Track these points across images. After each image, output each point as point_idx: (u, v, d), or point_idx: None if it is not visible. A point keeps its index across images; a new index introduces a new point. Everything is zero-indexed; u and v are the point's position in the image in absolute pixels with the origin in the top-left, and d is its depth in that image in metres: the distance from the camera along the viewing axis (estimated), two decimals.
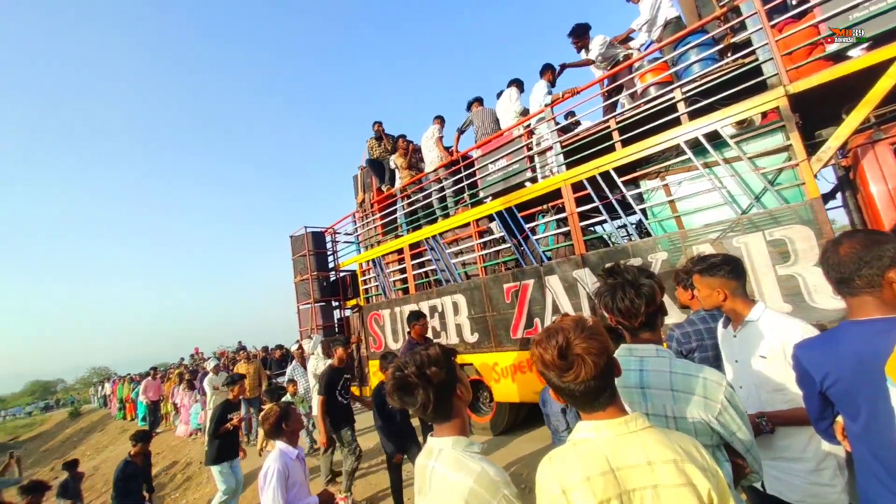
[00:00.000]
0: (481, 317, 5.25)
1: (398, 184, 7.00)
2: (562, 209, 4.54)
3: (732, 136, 3.31)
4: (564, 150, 4.51)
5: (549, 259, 4.65)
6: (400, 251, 6.67)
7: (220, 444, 4.37)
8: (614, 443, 0.95)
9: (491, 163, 5.29)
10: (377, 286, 7.13)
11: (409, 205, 6.67)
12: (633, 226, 4.21)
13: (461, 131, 5.78)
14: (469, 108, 5.79)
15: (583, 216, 4.38)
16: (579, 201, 4.37)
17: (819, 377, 1.25)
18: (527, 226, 4.79)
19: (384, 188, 7.26)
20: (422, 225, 6.43)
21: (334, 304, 8.13)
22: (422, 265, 6.43)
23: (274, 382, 8.35)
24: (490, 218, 5.36)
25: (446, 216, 6.09)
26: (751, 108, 3.14)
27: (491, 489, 1.05)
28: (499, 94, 5.80)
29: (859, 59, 2.78)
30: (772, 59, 3.07)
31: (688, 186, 3.74)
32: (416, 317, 4.53)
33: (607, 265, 1.41)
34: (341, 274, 8.33)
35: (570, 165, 4.47)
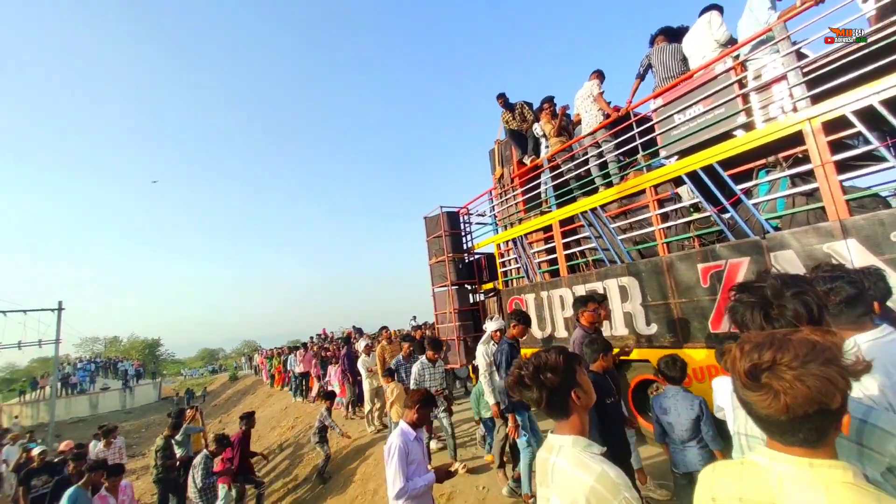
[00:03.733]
0: (662, 304, 4.39)
1: (543, 153, 6.41)
2: (802, 159, 3.45)
3: None
4: (808, 77, 3.39)
5: (777, 229, 3.60)
6: (547, 229, 6.08)
7: None
8: (790, 477, 0.83)
9: (678, 112, 4.35)
10: (518, 268, 6.69)
11: (558, 176, 6.03)
12: None
13: (640, 77, 4.86)
14: (652, 43, 4.81)
15: (841, 167, 3.25)
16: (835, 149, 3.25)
17: None
18: (738, 187, 3.79)
19: (527, 160, 6.74)
20: (576, 198, 5.76)
21: (468, 287, 7.96)
22: (576, 244, 5.77)
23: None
24: (676, 182, 4.45)
25: (609, 186, 5.32)
26: None
27: (613, 490, 1.09)
28: (674, 33, 4.74)
29: None
30: None
31: None
32: (583, 302, 3.83)
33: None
34: (475, 256, 8.11)
35: (817, 99, 3.35)
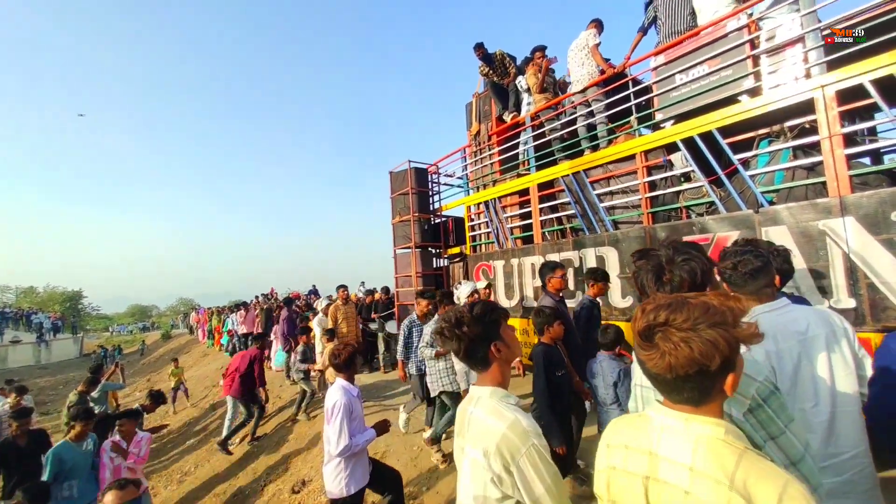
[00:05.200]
0: None
1: (526, 110, 5.99)
2: (809, 130, 3.29)
3: None
4: (828, 43, 3.18)
5: (772, 203, 3.47)
6: (524, 192, 5.76)
7: None
8: (669, 430, 0.91)
9: (680, 72, 4.07)
10: (489, 233, 6.37)
11: (541, 136, 5.67)
12: None
13: (643, 31, 4.50)
14: (650, 3, 4.46)
15: (847, 141, 3.12)
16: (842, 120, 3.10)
17: None
18: (736, 157, 3.61)
19: (507, 117, 6.30)
20: (557, 161, 5.44)
21: (432, 251, 7.57)
22: (553, 210, 5.50)
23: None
24: (669, 149, 4.23)
25: (595, 149, 5.03)
26: None
27: (522, 436, 1.16)
28: None
29: None
30: None
31: None
32: (551, 268, 3.67)
33: None
34: (442, 218, 7.68)
35: (833, 66, 3.16)
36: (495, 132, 6.37)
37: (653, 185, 4.31)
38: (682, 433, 0.88)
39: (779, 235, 3.29)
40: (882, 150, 3.48)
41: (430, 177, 7.66)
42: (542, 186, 5.47)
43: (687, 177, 4.08)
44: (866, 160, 3.40)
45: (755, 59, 3.58)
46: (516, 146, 6.08)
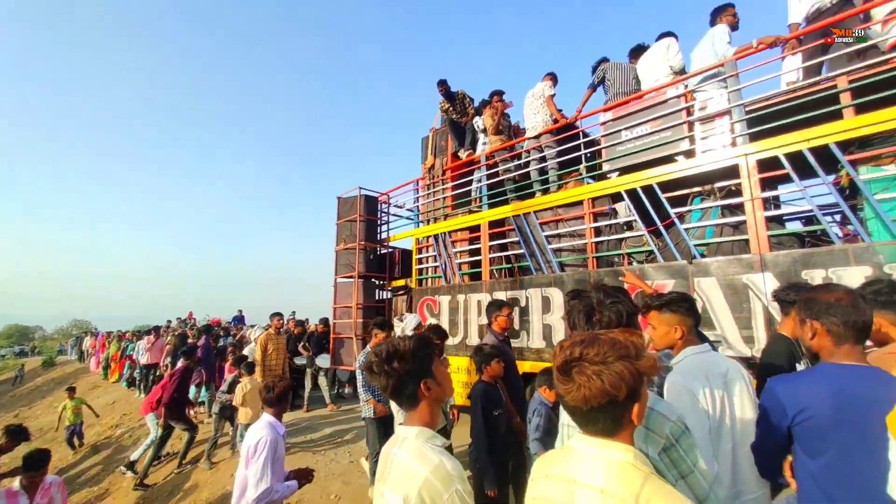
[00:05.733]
0: None
1: (481, 149, 6.19)
2: (734, 192, 3.66)
3: None
4: (750, 116, 3.64)
5: (703, 256, 3.76)
6: (474, 228, 5.81)
7: None
8: (587, 457, 0.98)
9: (626, 128, 4.43)
10: (436, 267, 6.30)
11: (494, 175, 5.83)
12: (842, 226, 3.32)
13: (593, 88, 4.92)
14: (598, 65, 4.92)
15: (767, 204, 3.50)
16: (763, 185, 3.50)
17: (793, 411, 1.40)
18: (673, 210, 3.91)
19: (462, 154, 6.45)
20: (508, 200, 5.60)
21: (376, 281, 7.32)
22: (503, 248, 5.58)
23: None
24: (614, 198, 4.51)
25: (545, 192, 5.25)
26: None
27: (445, 482, 1.12)
28: (634, 51, 4.94)
29: None
30: None
31: None
32: (498, 306, 3.73)
33: None
34: (389, 249, 7.50)
35: (754, 138, 3.60)
36: (450, 167, 6.48)
37: (598, 231, 4.53)
38: (598, 458, 0.96)
39: (709, 286, 3.54)
40: (794, 216, 3.96)
41: (380, 206, 7.54)
42: (493, 224, 5.56)
43: (629, 225, 4.34)
44: (797, 224, 3.84)
45: (690, 125, 3.98)
46: (470, 183, 6.20)
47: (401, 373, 1.24)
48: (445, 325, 5.67)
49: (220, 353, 8.23)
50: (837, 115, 3.19)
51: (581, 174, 4.80)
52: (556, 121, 5.15)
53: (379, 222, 7.48)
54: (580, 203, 4.65)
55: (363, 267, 6.88)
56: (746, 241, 3.49)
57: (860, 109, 3.11)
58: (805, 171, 3.28)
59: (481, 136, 6.23)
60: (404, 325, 3.95)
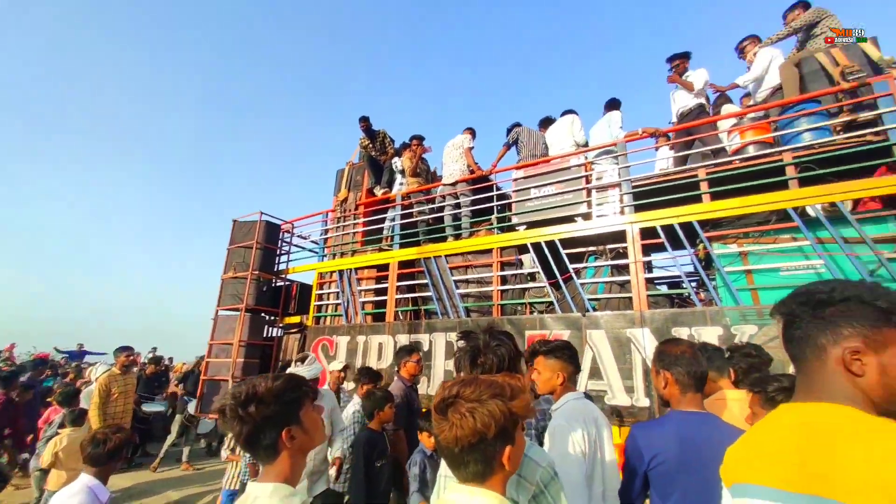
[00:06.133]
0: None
1: (398, 189, 6.22)
2: (622, 254, 4.12)
3: (824, 217, 3.25)
4: (635, 190, 4.22)
5: (594, 310, 4.10)
6: (383, 267, 5.69)
7: None
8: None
9: (535, 187, 4.83)
10: (338, 305, 5.94)
11: (409, 216, 5.87)
12: (703, 290, 3.91)
13: (508, 146, 5.37)
14: (512, 128, 5.44)
15: (646, 268, 4.00)
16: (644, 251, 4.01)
17: (649, 456, 1.47)
18: (571, 266, 4.27)
19: (378, 191, 6.41)
20: (420, 242, 5.62)
21: (265, 317, 6.61)
22: (410, 290, 5.50)
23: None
24: (521, 249, 4.78)
25: (457, 237, 5.39)
26: (881, 186, 3.12)
27: None
28: (543, 122, 5.56)
29: None
30: None
31: (771, 259, 3.57)
32: (408, 351, 3.64)
33: None
34: (286, 282, 6.92)
35: (638, 209, 4.16)
36: (364, 203, 6.37)
37: (504, 280, 4.73)
38: None
39: (598, 338, 3.85)
40: (666, 280, 4.57)
41: (282, 234, 7.03)
42: (402, 264, 5.49)
43: (533, 276, 4.61)
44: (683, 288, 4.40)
45: (588, 192, 4.49)
46: (382, 221, 6.13)
47: (257, 419, 1.07)
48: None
49: (42, 397, 6.55)
50: (699, 199, 3.86)
51: (492, 224, 5.05)
52: (472, 171, 5.44)
53: (279, 252, 6.93)
54: (489, 251, 4.85)
55: (253, 299, 6.20)
56: (630, 298, 3.91)
57: (714, 196, 3.79)
58: (675, 242, 3.84)
59: (399, 177, 6.30)
60: (308, 371, 3.40)
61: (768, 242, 3.57)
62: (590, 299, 4.13)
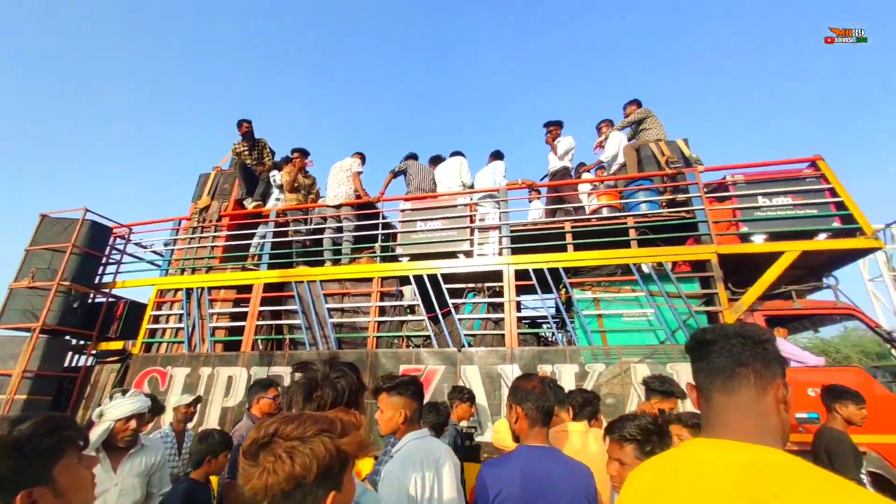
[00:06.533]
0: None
1: (273, 205, 5.68)
2: (499, 293, 4.36)
3: (652, 274, 4.01)
4: (513, 234, 4.58)
5: (470, 345, 4.21)
6: (244, 289, 5.02)
7: None
8: None
9: (421, 220, 4.89)
10: (179, 330, 4.98)
11: (283, 234, 5.37)
12: (563, 331, 4.34)
13: (395, 174, 5.34)
14: (406, 158, 5.51)
15: (518, 308, 4.30)
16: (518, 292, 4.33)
17: (493, 493, 1.48)
18: (451, 301, 4.35)
19: (249, 203, 5.75)
20: (293, 264, 5.15)
21: (71, 340, 5.16)
22: (275, 316, 4.93)
23: None
24: (402, 281, 4.72)
25: (336, 263, 5.09)
26: (690, 254, 3.95)
27: None
28: (434, 159, 5.77)
29: (761, 244, 3.96)
30: (706, 221, 4.06)
31: (617, 305, 4.19)
32: (264, 386, 3.22)
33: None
34: (111, 298, 5.57)
35: (515, 252, 4.50)
36: (231, 214, 5.64)
37: (382, 311, 4.58)
38: None
39: (472, 374, 3.94)
40: (535, 319, 4.97)
41: (113, 240, 5.75)
42: (269, 287, 4.94)
43: (413, 309, 4.56)
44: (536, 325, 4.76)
45: (472, 231, 4.72)
46: (250, 237, 5.49)
47: None
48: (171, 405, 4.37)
49: None
50: (565, 249, 4.36)
51: (375, 252, 4.93)
52: (359, 196, 5.29)
53: (105, 260, 5.63)
54: (370, 280, 4.69)
55: (56, 317, 4.83)
56: (503, 335, 4.13)
57: (576, 248, 4.34)
58: (543, 285, 4.24)
59: (276, 192, 5.79)
60: (107, 412, 2.47)
61: (614, 291, 4.19)
62: (466, 335, 4.24)
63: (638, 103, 5.38)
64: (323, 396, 1.24)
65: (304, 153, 5.70)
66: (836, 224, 3.96)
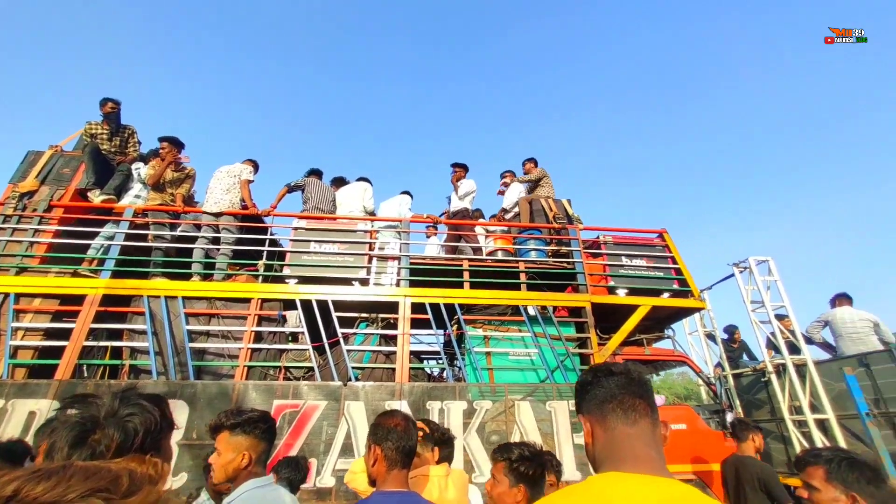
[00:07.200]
0: (210, 445, 3.47)
1: (131, 201, 4.76)
2: (393, 325, 4.23)
3: (538, 316, 4.40)
4: (412, 266, 4.56)
5: (357, 379, 3.95)
6: (71, 299, 4.00)
7: None
8: None
9: (316, 241, 4.58)
10: None
11: (139, 238, 4.49)
12: (452, 366, 4.36)
13: (291, 188, 4.92)
14: (308, 174, 5.17)
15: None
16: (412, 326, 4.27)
17: None
18: (341, 330, 4.08)
19: (96, 196, 4.72)
20: (149, 275, 4.31)
21: None
22: (114, 335, 4.00)
23: None
24: (286, 304, 4.29)
25: (206, 278, 4.41)
26: (569, 300, 4.40)
27: None
28: (336, 181, 5.56)
29: (623, 297, 4.61)
30: (583, 273, 4.60)
31: (505, 344, 4.41)
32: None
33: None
34: None
35: (412, 284, 4.47)
36: (68, 206, 4.55)
37: (259, 337, 4.08)
38: None
39: (356, 410, 3.69)
40: (427, 354, 4.92)
41: None
42: (110, 300, 4.04)
43: (295, 337, 4.16)
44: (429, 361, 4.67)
45: (370, 259, 4.58)
46: (91, 236, 4.48)
47: None
48: None
49: None
50: (461, 286, 4.49)
51: (257, 270, 4.43)
52: (245, 207, 4.76)
53: None
54: (247, 301, 4.17)
55: None
56: (394, 369, 3.99)
57: (472, 286, 4.51)
58: (438, 320, 4.27)
59: (136, 187, 4.90)
60: None
61: (503, 331, 4.42)
62: (354, 367, 3.99)
63: (535, 161, 6.03)
64: (103, 440, 0.93)
65: (175, 143, 4.85)
66: (675, 286, 4.85)
